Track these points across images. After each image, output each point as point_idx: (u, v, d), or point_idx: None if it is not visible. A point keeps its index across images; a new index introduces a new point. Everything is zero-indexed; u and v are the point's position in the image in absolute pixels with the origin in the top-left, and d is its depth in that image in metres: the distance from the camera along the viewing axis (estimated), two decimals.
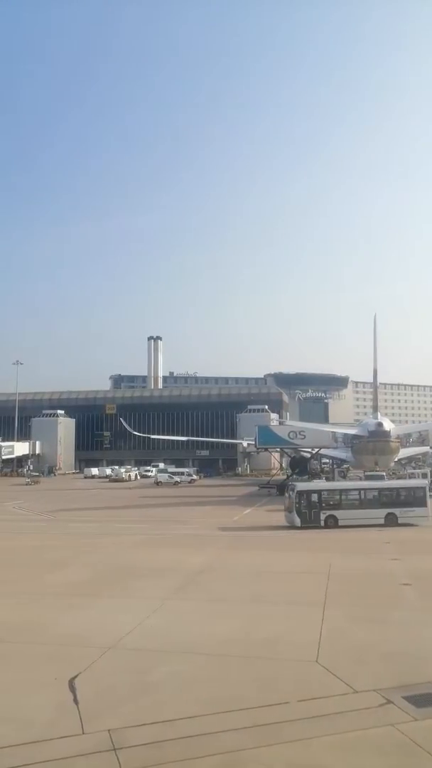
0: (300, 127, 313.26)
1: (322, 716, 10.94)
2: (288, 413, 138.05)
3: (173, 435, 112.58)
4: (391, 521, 36.22)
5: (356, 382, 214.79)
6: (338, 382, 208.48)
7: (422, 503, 36.99)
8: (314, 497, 37.09)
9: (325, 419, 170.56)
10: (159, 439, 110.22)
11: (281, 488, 64.96)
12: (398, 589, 20.76)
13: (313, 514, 36.26)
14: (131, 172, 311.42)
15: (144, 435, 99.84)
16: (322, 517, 36.22)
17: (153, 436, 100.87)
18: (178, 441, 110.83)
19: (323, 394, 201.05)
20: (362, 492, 38.52)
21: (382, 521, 36.06)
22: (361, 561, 26.53)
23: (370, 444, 58.68)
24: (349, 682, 12.29)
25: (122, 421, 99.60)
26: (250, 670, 13.32)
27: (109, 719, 10.85)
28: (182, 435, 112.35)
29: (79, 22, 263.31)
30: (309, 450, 73.25)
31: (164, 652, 14.51)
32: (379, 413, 61.92)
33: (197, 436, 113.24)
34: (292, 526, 36.03)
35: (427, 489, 37.82)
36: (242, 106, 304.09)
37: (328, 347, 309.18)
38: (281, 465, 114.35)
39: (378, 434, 56.69)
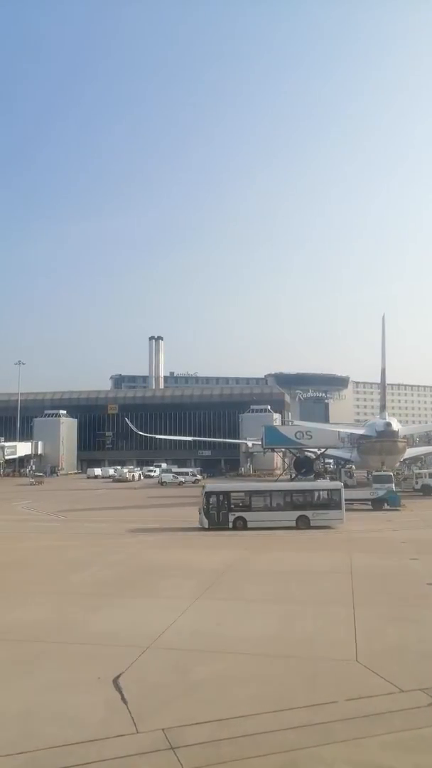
0: (298, 126, 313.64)
1: (373, 715, 10.98)
2: (290, 413, 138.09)
3: (175, 435, 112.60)
4: (303, 524, 35.78)
5: (356, 383, 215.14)
6: (338, 383, 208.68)
7: (337, 506, 36.51)
8: (223, 499, 36.87)
9: (325, 419, 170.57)
10: (162, 439, 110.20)
11: None
12: (426, 588, 20.83)
13: (221, 515, 36.06)
14: (130, 171, 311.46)
15: (149, 435, 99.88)
16: (231, 518, 35.96)
17: (158, 436, 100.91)
18: (180, 441, 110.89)
19: (324, 394, 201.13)
20: (272, 494, 37.91)
21: (293, 523, 35.62)
22: (382, 560, 26.60)
23: (378, 444, 58.78)
24: (393, 682, 12.33)
25: (128, 421, 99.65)
26: (292, 670, 13.36)
27: (160, 718, 10.89)
28: (184, 435, 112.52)
29: (77, 21, 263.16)
30: (314, 450, 73.44)
31: (203, 652, 14.56)
32: (386, 413, 62.07)
33: (199, 436, 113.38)
34: (203, 529, 35.93)
35: (343, 492, 37.19)
36: (240, 105, 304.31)
37: (328, 347, 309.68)
38: (283, 465, 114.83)
39: (386, 434, 56.79)
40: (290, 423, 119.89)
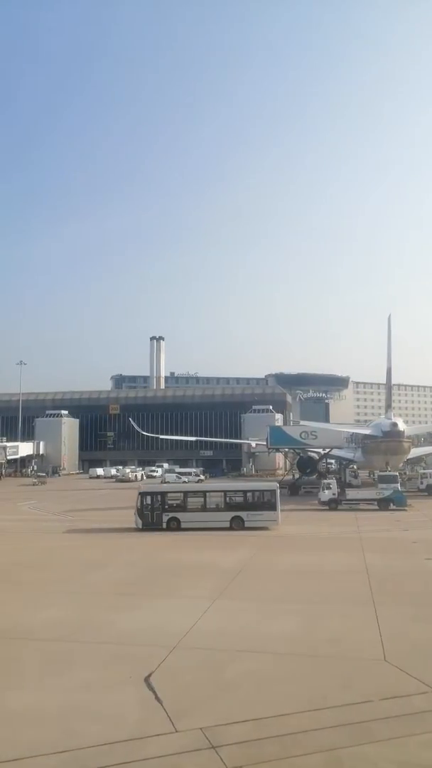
0: (296, 126, 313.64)
1: (409, 715, 11.03)
2: (291, 414, 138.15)
3: (177, 435, 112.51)
4: (237, 525, 35.52)
5: (357, 383, 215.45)
6: (339, 383, 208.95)
7: (272, 507, 36.13)
8: (157, 499, 36.87)
9: (325, 419, 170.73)
10: (164, 439, 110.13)
11: (293, 488, 65.16)
12: None
13: (155, 515, 36.09)
14: (128, 170, 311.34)
15: (154, 435, 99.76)
16: (165, 519, 35.92)
17: (163, 436, 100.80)
18: (181, 441, 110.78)
19: (324, 395, 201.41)
20: (207, 495, 37.55)
21: (227, 524, 35.36)
22: (396, 560, 26.66)
23: (383, 444, 58.77)
24: (425, 681, 12.38)
25: (132, 422, 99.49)
26: (323, 669, 13.39)
27: (197, 717, 10.91)
28: (185, 435, 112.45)
29: (75, 19, 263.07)
30: (318, 450, 73.40)
31: (230, 651, 14.57)
32: (392, 413, 62.12)
33: (200, 436, 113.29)
34: (137, 529, 35.93)
35: (278, 492, 36.90)
36: (238, 104, 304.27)
37: (327, 348, 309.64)
38: (285, 465, 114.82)
39: (392, 434, 56.79)
40: (291, 423, 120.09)
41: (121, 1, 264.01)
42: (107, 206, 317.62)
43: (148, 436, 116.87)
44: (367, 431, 61.86)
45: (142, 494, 36.92)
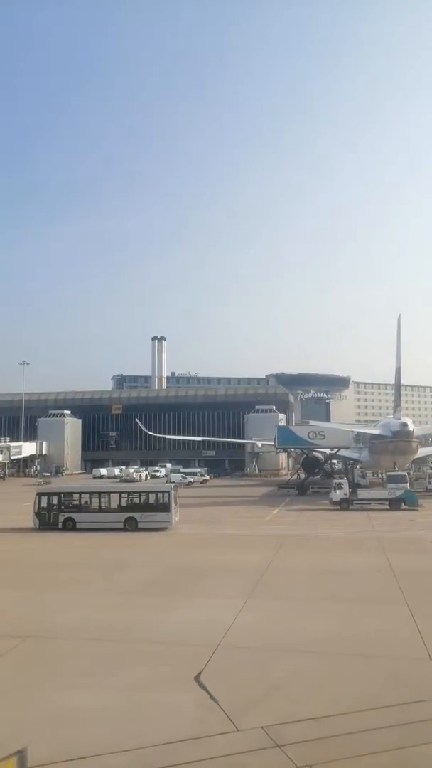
0: (295, 126, 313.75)
1: None
2: (294, 414, 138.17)
3: (179, 435, 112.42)
4: (131, 525, 35.64)
5: (357, 383, 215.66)
6: (339, 383, 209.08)
7: (165, 508, 36.26)
8: (54, 500, 36.93)
9: (326, 419, 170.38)
10: (167, 439, 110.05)
11: (301, 488, 65.17)
12: None
13: (51, 516, 36.38)
14: (129, 170, 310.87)
15: (160, 435, 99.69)
16: (61, 519, 36.16)
17: (169, 436, 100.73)
18: (183, 441, 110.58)
19: (325, 395, 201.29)
20: (102, 495, 37.63)
21: (121, 525, 35.54)
22: (418, 560, 26.74)
23: (391, 444, 58.75)
24: None
25: (138, 422, 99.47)
26: (371, 668, 13.43)
27: (256, 716, 10.93)
28: (188, 435, 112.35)
29: (76, 18, 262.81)
30: (323, 450, 73.40)
31: (273, 651, 14.61)
32: (401, 413, 62.14)
33: (203, 436, 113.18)
34: (34, 529, 36.13)
35: (172, 493, 36.94)
36: (238, 104, 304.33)
37: (328, 348, 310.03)
38: (288, 465, 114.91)
39: (402, 434, 56.78)
40: (294, 423, 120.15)
41: (122, 1, 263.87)
42: (107, 206, 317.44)
43: (150, 436, 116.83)
44: (376, 431, 61.84)
45: (39, 495, 37.40)
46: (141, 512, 36.32)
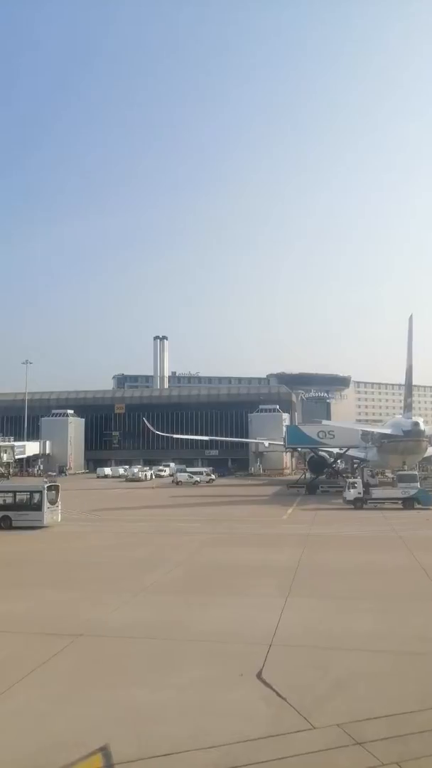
0: (294, 125, 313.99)
1: None
2: (297, 414, 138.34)
3: (182, 434, 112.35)
4: (6, 524, 36.43)
5: (358, 382, 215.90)
6: (340, 382, 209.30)
7: (38, 507, 36.82)
8: None
9: (327, 419, 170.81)
10: (168, 439, 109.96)
11: (311, 488, 65.26)
12: None
13: None
14: (129, 169, 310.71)
15: (167, 435, 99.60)
16: None
17: (176, 436, 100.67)
18: (186, 440, 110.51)
19: (325, 394, 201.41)
20: None
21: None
22: None
23: (401, 444, 58.87)
24: None
25: (145, 421, 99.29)
26: (427, 666, 13.43)
27: (328, 714, 10.88)
28: (191, 434, 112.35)
29: (75, 17, 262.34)
30: (330, 450, 73.51)
31: (327, 649, 14.54)
32: (412, 413, 62.28)
33: (206, 436, 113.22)
34: None
35: (45, 493, 37.26)
36: (238, 103, 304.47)
37: (328, 347, 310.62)
38: (292, 465, 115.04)
39: (413, 434, 56.87)
40: (297, 423, 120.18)
41: (121, 0, 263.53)
42: (106, 206, 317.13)
43: (152, 436, 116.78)
44: (386, 430, 61.90)
45: None
46: (15, 511, 37.10)
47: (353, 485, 48.84)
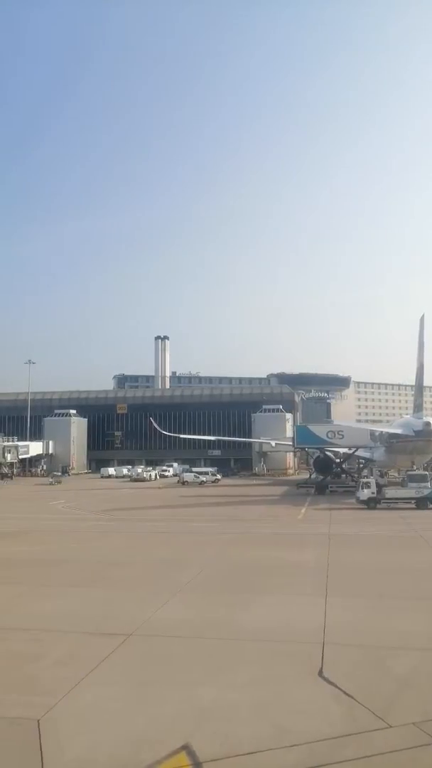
0: (295, 125, 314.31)
1: None
2: (299, 414, 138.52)
3: (184, 434, 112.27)
4: None
5: (358, 383, 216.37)
6: (340, 382, 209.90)
7: None
8: None
9: (327, 419, 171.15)
10: (172, 438, 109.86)
11: (320, 488, 65.30)
12: None
13: None
14: (129, 168, 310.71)
15: (174, 435, 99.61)
16: None
17: (183, 436, 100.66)
18: (188, 440, 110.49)
19: (326, 394, 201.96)
20: None
21: None
22: None
23: (411, 444, 59.02)
24: None
25: (152, 421, 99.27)
26: None
27: (400, 712, 10.85)
28: (193, 434, 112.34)
29: (73, 16, 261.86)
30: (336, 450, 73.58)
31: (381, 648, 14.48)
32: (423, 412, 62.43)
33: (208, 436, 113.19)
34: None
35: None
36: (237, 102, 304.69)
37: (328, 347, 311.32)
38: (295, 465, 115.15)
39: (424, 434, 56.96)
40: (300, 423, 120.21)
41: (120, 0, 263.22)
42: (107, 206, 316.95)
43: (154, 436, 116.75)
44: (396, 430, 62.01)
45: None
46: None
47: (367, 485, 48.87)
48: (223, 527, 37.84)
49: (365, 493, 47.99)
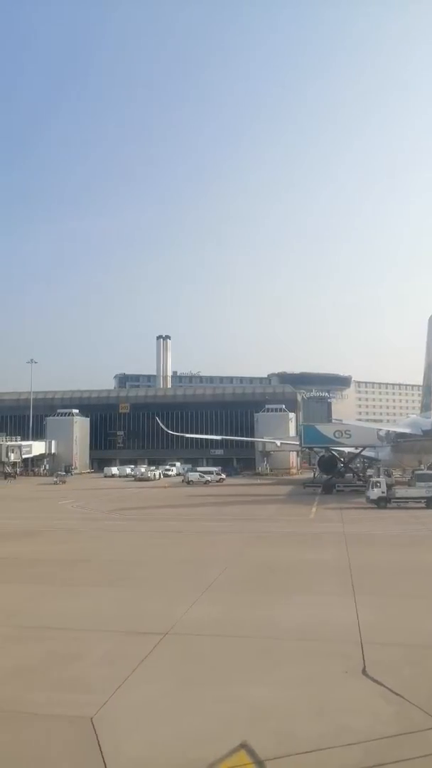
0: (294, 126, 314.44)
1: None
2: (301, 413, 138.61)
3: (190, 434, 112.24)
4: None
5: (358, 382, 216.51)
6: (341, 382, 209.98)
7: None
8: None
9: (328, 419, 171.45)
10: (174, 437, 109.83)
11: (327, 487, 65.26)
12: None
13: None
14: (130, 168, 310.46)
15: (180, 434, 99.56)
16: None
17: (189, 435, 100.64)
18: (190, 440, 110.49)
19: (326, 394, 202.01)
20: None
21: None
22: None
23: (419, 443, 59.12)
24: None
25: (158, 421, 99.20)
26: None
27: None
28: (195, 434, 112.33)
29: (74, 16, 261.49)
30: (341, 449, 73.58)
31: (418, 647, 14.50)
32: (431, 412, 62.47)
33: (210, 435, 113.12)
34: None
35: None
36: (237, 102, 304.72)
37: (329, 347, 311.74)
38: (298, 464, 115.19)
39: None
40: (301, 422, 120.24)
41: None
42: (106, 205, 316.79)
43: (156, 435, 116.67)
44: (404, 429, 62.09)
45: None
46: None
47: (377, 484, 48.90)
48: (236, 526, 37.83)
49: (375, 493, 48.01)
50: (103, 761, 9.12)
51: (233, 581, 22.14)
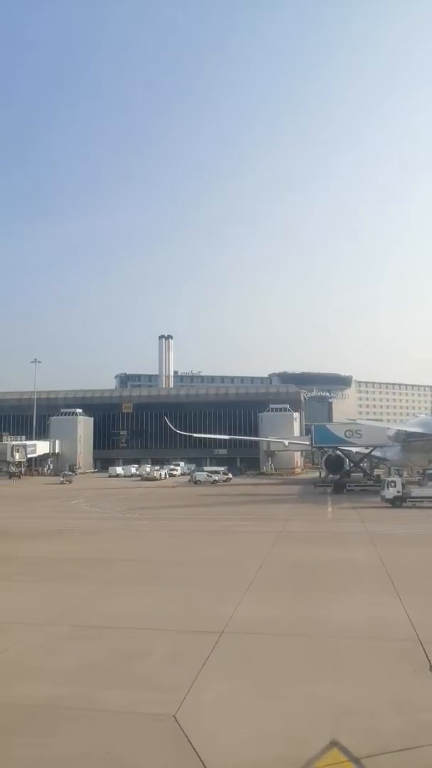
0: (293, 126, 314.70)
1: None
2: (304, 413, 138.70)
3: (196, 434, 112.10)
4: None
5: (359, 382, 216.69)
6: (342, 382, 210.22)
7: None
8: None
9: (329, 419, 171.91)
10: (177, 436, 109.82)
11: (338, 487, 65.31)
12: None
13: None
14: (130, 168, 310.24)
15: (187, 434, 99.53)
16: None
17: (196, 435, 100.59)
18: (193, 439, 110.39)
19: (327, 394, 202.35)
20: None
21: None
22: None
23: (430, 443, 59.23)
24: None
25: (167, 420, 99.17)
26: None
27: None
28: (198, 433, 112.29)
29: (74, 15, 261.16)
30: (347, 449, 73.62)
31: None
32: None
33: (213, 435, 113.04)
34: None
35: None
36: (237, 102, 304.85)
37: (329, 347, 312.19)
38: (302, 464, 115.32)
39: None
40: (304, 423, 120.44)
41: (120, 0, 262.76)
42: (106, 205, 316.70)
43: (159, 435, 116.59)
44: (416, 429, 62.19)
45: None
46: None
47: (392, 484, 48.98)
48: (257, 526, 37.82)
49: (391, 492, 48.08)
50: (199, 758, 9.08)
51: (272, 580, 22.06)
